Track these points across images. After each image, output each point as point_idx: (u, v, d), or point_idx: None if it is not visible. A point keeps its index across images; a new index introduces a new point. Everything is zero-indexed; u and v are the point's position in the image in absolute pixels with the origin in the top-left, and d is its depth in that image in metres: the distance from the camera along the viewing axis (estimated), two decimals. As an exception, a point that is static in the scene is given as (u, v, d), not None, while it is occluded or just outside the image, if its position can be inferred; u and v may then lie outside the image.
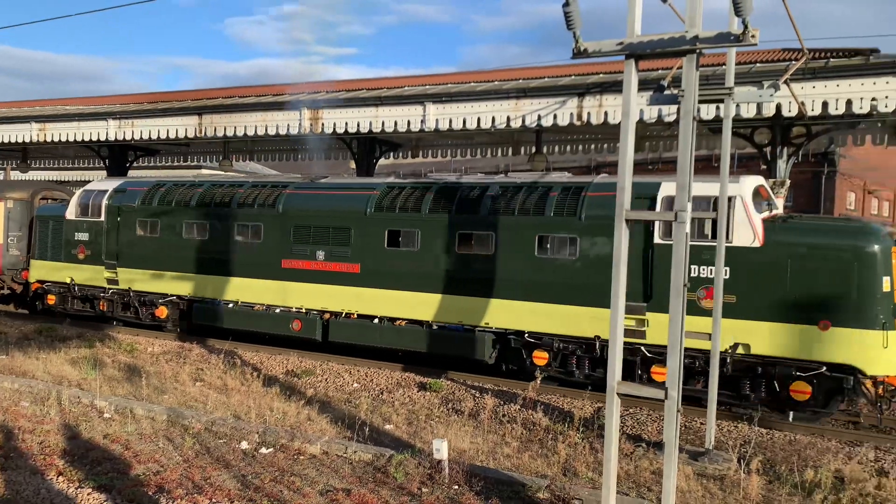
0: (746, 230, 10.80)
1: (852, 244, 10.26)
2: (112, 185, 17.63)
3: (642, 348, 11.35)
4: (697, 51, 6.14)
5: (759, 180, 11.73)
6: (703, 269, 10.96)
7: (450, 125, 15.68)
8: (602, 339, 11.47)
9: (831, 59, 12.67)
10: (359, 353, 14.19)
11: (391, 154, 21.79)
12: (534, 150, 17.90)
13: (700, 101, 11.21)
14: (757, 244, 10.68)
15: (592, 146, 20.09)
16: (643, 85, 12.91)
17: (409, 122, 16.04)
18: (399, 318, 13.47)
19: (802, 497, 7.70)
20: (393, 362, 13.82)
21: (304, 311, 14.42)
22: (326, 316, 14.21)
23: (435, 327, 13.05)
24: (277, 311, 14.76)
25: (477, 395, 11.89)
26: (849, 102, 12.05)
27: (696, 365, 10.96)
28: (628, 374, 11.36)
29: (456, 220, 12.98)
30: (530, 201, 12.47)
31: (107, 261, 17.02)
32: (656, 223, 11.36)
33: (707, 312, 10.57)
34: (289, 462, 8.30)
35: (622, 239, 6.35)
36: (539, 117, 14.77)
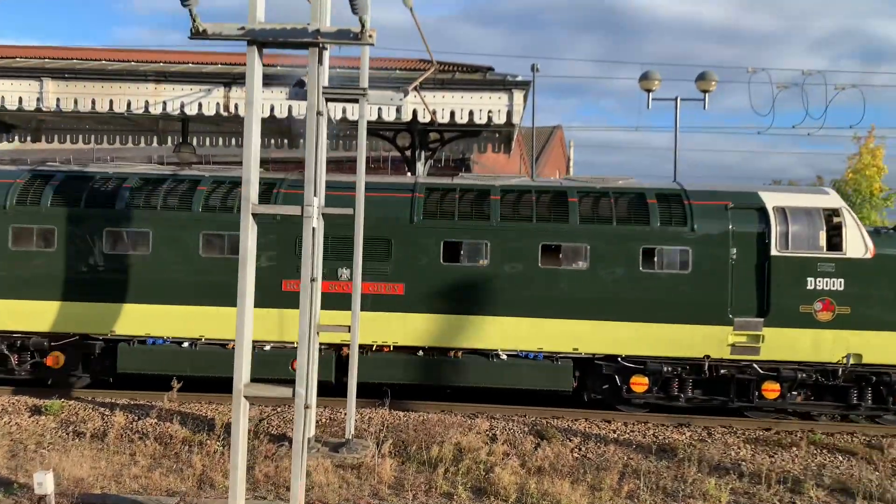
0: (858, 242, 10.88)
1: None
2: None
3: (755, 365, 10.96)
4: (320, 45, 6.14)
5: None
6: (819, 282, 10.80)
7: (75, 106, 13.69)
8: (712, 358, 10.91)
9: (457, 73, 14.11)
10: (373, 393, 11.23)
11: (4, 137, 18.31)
12: (180, 139, 16.66)
13: (337, 100, 11.53)
14: (868, 256, 10.84)
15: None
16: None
17: (20, 99, 13.58)
18: (454, 348, 11.14)
19: (429, 472, 8.33)
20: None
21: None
22: (345, 351, 10.90)
23: (504, 357, 11.07)
24: (267, 348, 11.06)
25: (107, 412, 10.54)
26: (471, 113, 13.51)
27: (808, 379, 11.00)
28: (742, 392, 11.16)
29: (537, 228, 11.11)
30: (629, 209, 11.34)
31: None
32: (773, 234, 10.88)
33: (823, 325, 10.78)
34: None
35: (249, 235, 6.06)
36: (182, 105, 13.71)
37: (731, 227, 11.10)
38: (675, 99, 18.65)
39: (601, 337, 11.04)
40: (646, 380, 11.09)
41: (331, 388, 11.00)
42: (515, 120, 13.60)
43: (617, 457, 9.26)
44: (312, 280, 6.16)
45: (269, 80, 13.36)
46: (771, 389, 11.08)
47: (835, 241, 11.04)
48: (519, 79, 13.58)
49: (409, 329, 11.13)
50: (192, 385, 11.05)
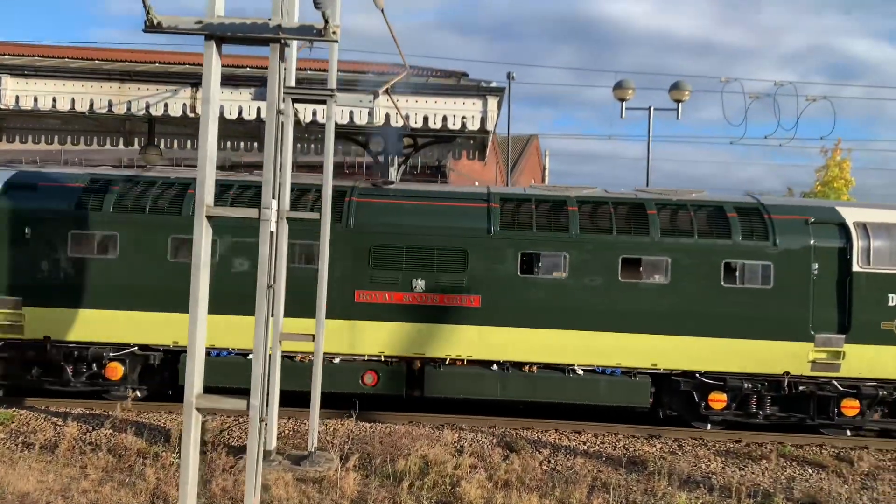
0: None
1: None
2: None
3: (834, 381, 10.90)
4: (281, 40, 5.90)
5: None
6: None
7: (35, 104, 13.23)
8: (792, 375, 10.89)
9: (431, 78, 13.93)
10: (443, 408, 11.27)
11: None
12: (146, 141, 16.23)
13: (304, 101, 11.29)
14: None
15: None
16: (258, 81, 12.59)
17: (-23, 96, 13.11)
18: (531, 363, 10.98)
19: (393, 486, 8.07)
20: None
21: (382, 358, 11.01)
22: (417, 365, 11.04)
23: (580, 372, 10.96)
24: (337, 360, 10.92)
25: (59, 422, 10.11)
26: (444, 118, 13.31)
27: (888, 396, 10.98)
28: (820, 410, 11.07)
29: (617, 241, 10.99)
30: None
31: None
32: (854, 250, 10.88)
33: None
34: None
35: (203, 239, 5.78)
36: (147, 105, 13.33)
37: (812, 242, 11.05)
38: (649, 108, 18.68)
39: (680, 352, 10.93)
40: (724, 396, 10.98)
41: (402, 402, 11.11)
42: (489, 126, 13.41)
43: (586, 470, 9.08)
44: (269, 287, 5.88)
45: (238, 81, 13.15)
46: (850, 407, 11.00)
47: None
48: (493, 85, 13.42)
49: (485, 342, 10.95)
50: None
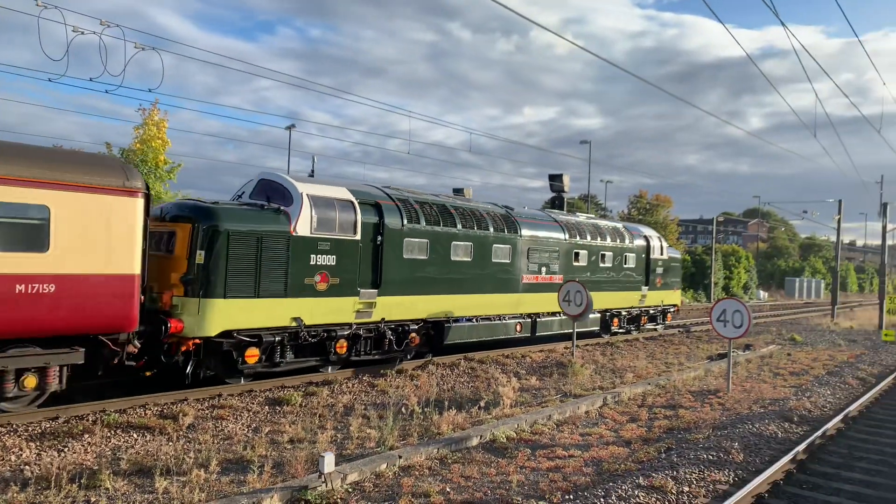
0: None
1: None
2: (343, 194, 14.08)
3: (641, 308, 24.31)
4: None
5: None
6: None
7: None
8: (634, 306, 24.23)
9: None
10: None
11: None
12: None
13: None
14: None
15: None
16: None
17: None
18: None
19: None
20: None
21: (524, 315, 18.71)
22: (532, 318, 18.99)
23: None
24: (507, 318, 18.14)
25: None
26: None
27: None
28: (636, 321, 25.17)
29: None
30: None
31: (362, 289, 14.15)
32: (651, 247, 24.62)
33: None
34: None
35: None
36: None
37: (642, 243, 24.47)
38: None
39: (604, 301, 22.35)
40: (617, 321, 23.54)
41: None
42: None
43: None
44: None
45: None
46: (647, 320, 25.08)
47: None
48: None
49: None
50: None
